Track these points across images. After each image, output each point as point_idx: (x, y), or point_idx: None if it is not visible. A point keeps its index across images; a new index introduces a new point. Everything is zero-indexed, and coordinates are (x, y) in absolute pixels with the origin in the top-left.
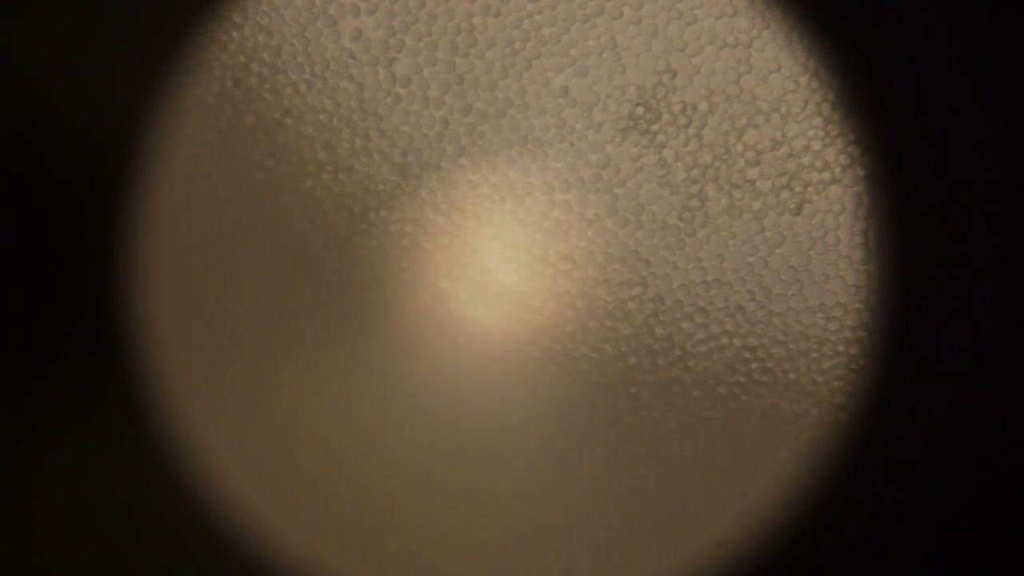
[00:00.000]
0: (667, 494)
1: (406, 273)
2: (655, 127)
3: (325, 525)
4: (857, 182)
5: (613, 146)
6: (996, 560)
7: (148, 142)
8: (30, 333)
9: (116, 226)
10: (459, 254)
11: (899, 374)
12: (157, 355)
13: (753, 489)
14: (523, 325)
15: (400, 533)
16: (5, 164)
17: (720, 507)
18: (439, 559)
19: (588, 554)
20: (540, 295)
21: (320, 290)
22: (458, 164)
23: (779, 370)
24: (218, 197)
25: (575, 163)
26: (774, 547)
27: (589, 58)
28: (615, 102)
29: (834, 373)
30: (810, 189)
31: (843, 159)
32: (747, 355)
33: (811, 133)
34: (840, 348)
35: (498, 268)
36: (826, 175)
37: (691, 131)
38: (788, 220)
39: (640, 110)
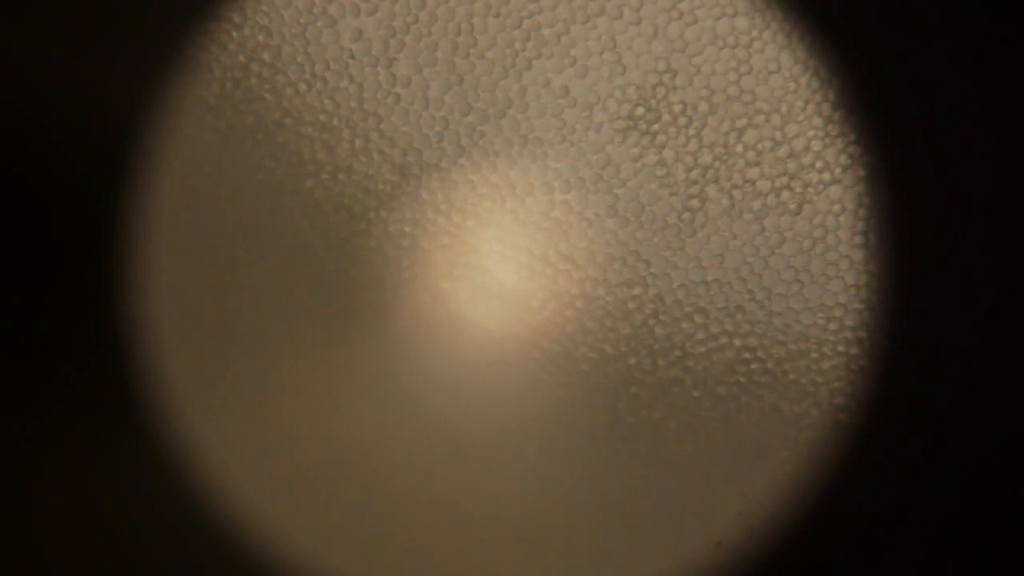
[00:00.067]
0: (667, 494)
1: (406, 273)
2: (655, 127)
3: (325, 525)
4: (857, 182)
5: (613, 146)
6: (996, 560)
7: (148, 142)
8: (30, 333)
9: (116, 226)
10: (459, 254)
11: (899, 374)
12: (157, 355)
13: (753, 489)
14: (523, 325)
15: (400, 533)
16: (5, 164)
17: (720, 507)
18: (439, 559)
19: (588, 554)
20: (540, 295)
21: (320, 290)
22: (458, 164)
23: (779, 370)
24: (218, 197)
25: (575, 163)
26: (774, 547)
27: (589, 58)
28: (615, 102)
29: (834, 373)
30: (810, 189)
31: (843, 159)
32: (747, 355)
33: (811, 133)
34: (840, 348)
35: (498, 268)
36: (826, 175)
37: (691, 131)
38: (788, 220)
39: (640, 110)
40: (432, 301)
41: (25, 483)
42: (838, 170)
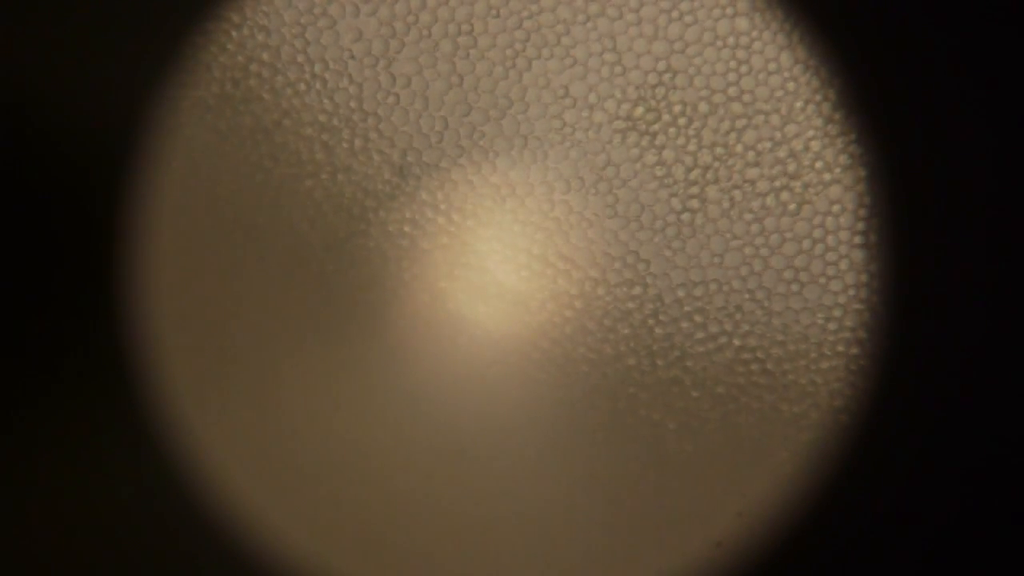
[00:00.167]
0: (666, 494)
1: (405, 274)
2: (655, 127)
3: (325, 525)
4: (857, 182)
5: (613, 146)
6: (996, 560)
7: (147, 142)
8: (30, 333)
9: (116, 226)
10: (458, 254)
11: (899, 374)
12: (157, 355)
13: (753, 489)
14: (522, 326)
15: (400, 533)
16: (5, 164)
17: (720, 507)
18: (439, 559)
19: (588, 554)
20: (539, 295)
21: (319, 290)
22: (458, 164)
23: (778, 371)
24: (217, 197)
25: (575, 163)
26: (774, 547)
27: (589, 58)
28: (615, 102)
29: (834, 374)
30: (810, 189)
31: (843, 159)
32: (746, 356)
33: (811, 133)
34: (840, 349)
35: (498, 268)
36: (826, 175)
37: (691, 131)
38: (788, 220)
39: (640, 110)
40: (431, 301)
41: (25, 483)
42: (838, 170)
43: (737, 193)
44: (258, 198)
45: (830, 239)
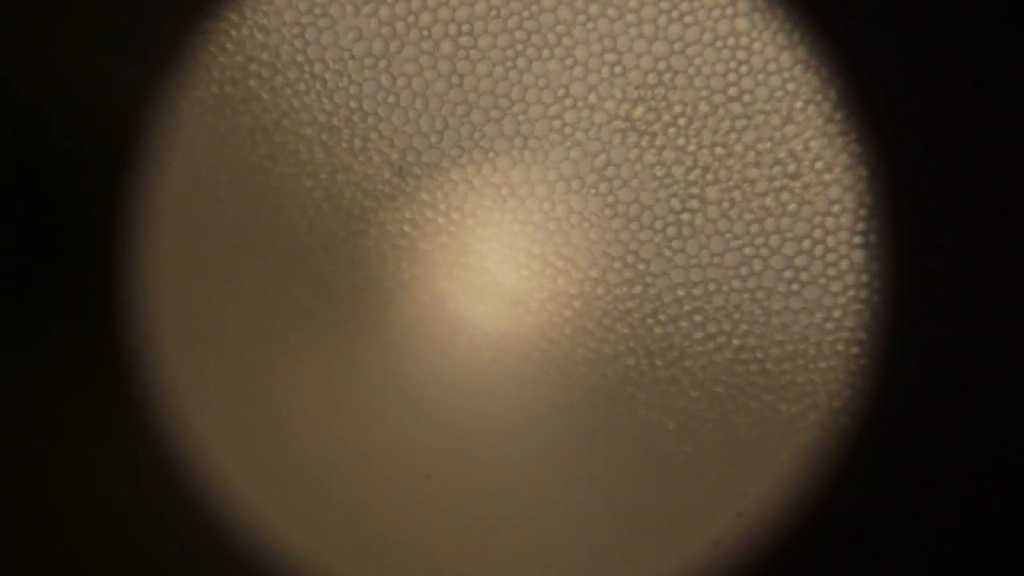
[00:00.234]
0: (666, 494)
1: (405, 274)
2: (655, 127)
3: (325, 525)
4: (857, 182)
5: (613, 146)
6: (996, 560)
7: (147, 143)
8: (30, 333)
9: (115, 226)
10: (458, 255)
11: (899, 374)
12: (156, 355)
13: (752, 490)
14: (522, 326)
15: (400, 533)
16: (5, 165)
17: (719, 507)
18: (439, 559)
19: (588, 554)
20: (539, 295)
21: (319, 290)
22: (458, 164)
23: (778, 371)
24: (216, 198)
25: (575, 163)
26: (773, 547)
27: (590, 59)
28: (615, 102)
29: (833, 374)
30: (810, 189)
31: (843, 159)
32: (745, 356)
33: (811, 133)
34: (839, 349)
35: (497, 268)
36: (826, 175)
37: (691, 131)
38: (788, 220)
39: (640, 110)
40: (431, 301)
41: (25, 483)
42: (838, 170)
43: (737, 193)
44: (257, 198)
45: (830, 239)
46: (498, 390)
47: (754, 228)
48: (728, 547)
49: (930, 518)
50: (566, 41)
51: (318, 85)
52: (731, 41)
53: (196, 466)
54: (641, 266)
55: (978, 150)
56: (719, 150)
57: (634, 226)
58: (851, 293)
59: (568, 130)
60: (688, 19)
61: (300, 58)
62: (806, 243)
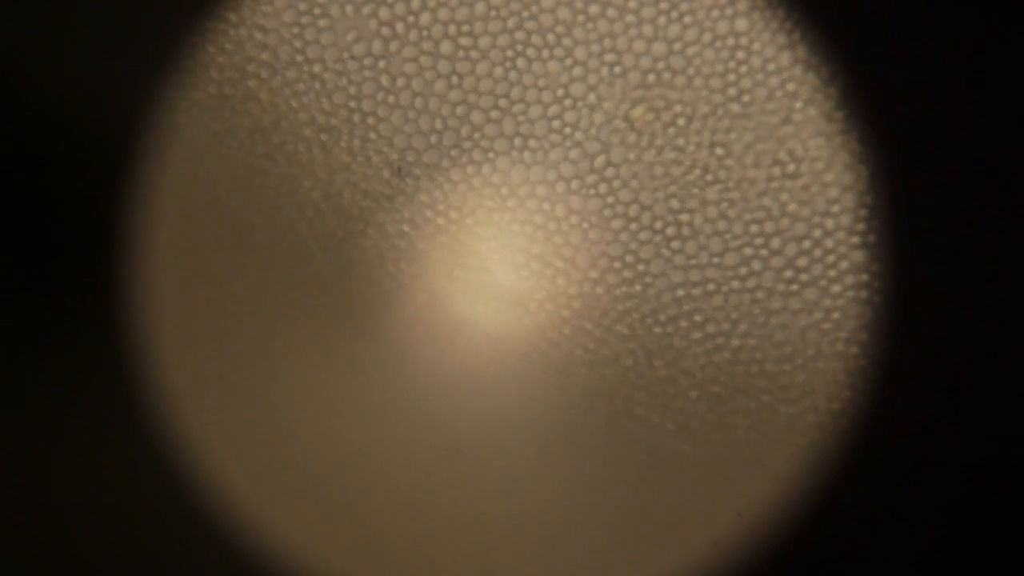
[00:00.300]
0: (665, 495)
1: (404, 274)
2: (654, 127)
3: (324, 525)
4: (857, 182)
5: (613, 146)
6: (996, 560)
7: (146, 143)
8: (30, 333)
9: (115, 226)
10: (457, 255)
11: (899, 374)
12: (156, 355)
13: (751, 490)
14: (521, 326)
15: (399, 533)
16: (4, 164)
17: (718, 507)
18: (438, 559)
19: (587, 554)
20: (538, 296)
21: (318, 291)
22: (457, 165)
23: (777, 371)
24: (216, 198)
25: (575, 163)
26: (773, 547)
27: (589, 59)
28: (614, 102)
29: (832, 375)
30: (810, 189)
31: (843, 159)
32: (745, 356)
33: (810, 133)
34: (839, 349)
35: (497, 269)
36: (826, 175)
37: (690, 131)
38: (787, 221)
39: (640, 110)
40: (430, 302)
41: (24, 483)
42: (838, 170)
43: (736, 193)
44: (256, 199)
45: (830, 239)
46: (497, 390)
47: (753, 228)
48: (727, 547)
49: (930, 518)
50: (566, 41)
51: (317, 85)
52: (730, 41)
53: (196, 466)
54: (640, 266)
55: (978, 150)
56: (718, 150)
57: (633, 226)
58: (851, 294)
59: (568, 130)
60: (687, 19)
61: (299, 58)
62: (806, 243)
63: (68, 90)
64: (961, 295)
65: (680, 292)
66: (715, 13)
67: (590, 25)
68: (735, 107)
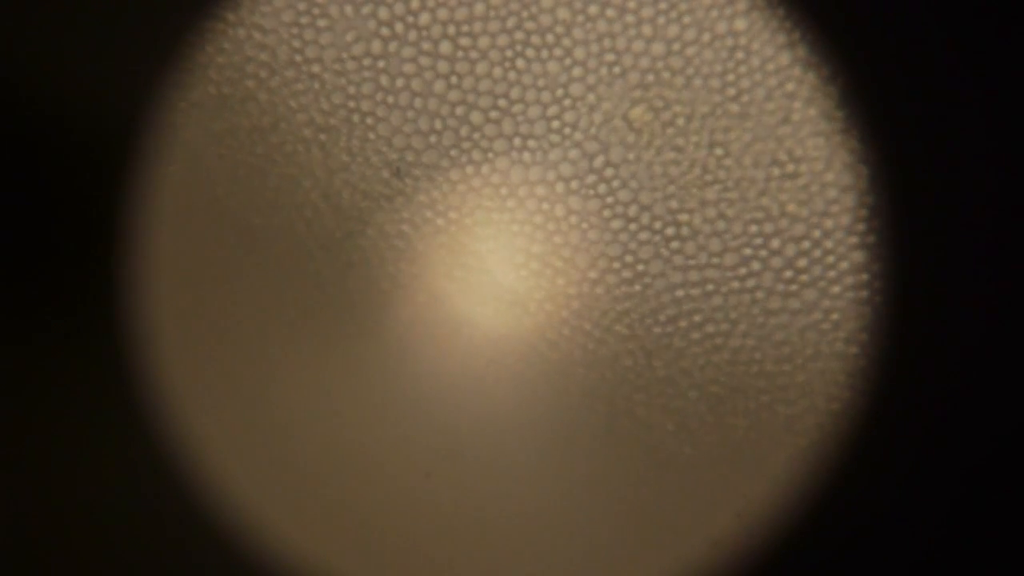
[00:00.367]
0: (665, 495)
1: (403, 274)
2: (654, 127)
3: (323, 525)
4: (857, 182)
5: (612, 147)
6: (996, 560)
7: (145, 144)
8: (30, 332)
9: (114, 226)
10: (457, 255)
11: (899, 375)
12: (156, 355)
13: (751, 490)
14: (520, 326)
15: (399, 533)
16: (4, 164)
17: (717, 507)
18: (438, 559)
19: (587, 554)
20: (537, 296)
21: (317, 291)
22: (457, 165)
23: (776, 372)
24: (215, 199)
25: (574, 163)
26: (772, 547)
27: (589, 59)
28: (614, 102)
29: (832, 375)
30: (809, 189)
31: (842, 158)
32: (744, 357)
33: (810, 132)
34: (839, 350)
35: (496, 269)
36: (825, 175)
37: (690, 131)
38: (787, 221)
39: (639, 110)
40: (429, 302)
41: (24, 483)
42: (837, 170)
43: (735, 193)
44: (255, 199)
45: (829, 240)
46: (497, 390)
47: (752, 228)
48: (727, 547)
49: (930, 518)
50: (565, 41)
51: (316, 86)
52: (729, 41)
53: (196, 466)
54: (640, 266)
55: (978, 150)
56: (718, 150)
57: (633, 226)
58: (850, 294)
59: (567, 130)
60: (686, 19)
61: (298, 58)
62: (805, 244)
63: (68, 90)
64: (961, 295)
65: (679, 292)
66: (714, 13)
67: (589, 25)
68: (734, 107)
